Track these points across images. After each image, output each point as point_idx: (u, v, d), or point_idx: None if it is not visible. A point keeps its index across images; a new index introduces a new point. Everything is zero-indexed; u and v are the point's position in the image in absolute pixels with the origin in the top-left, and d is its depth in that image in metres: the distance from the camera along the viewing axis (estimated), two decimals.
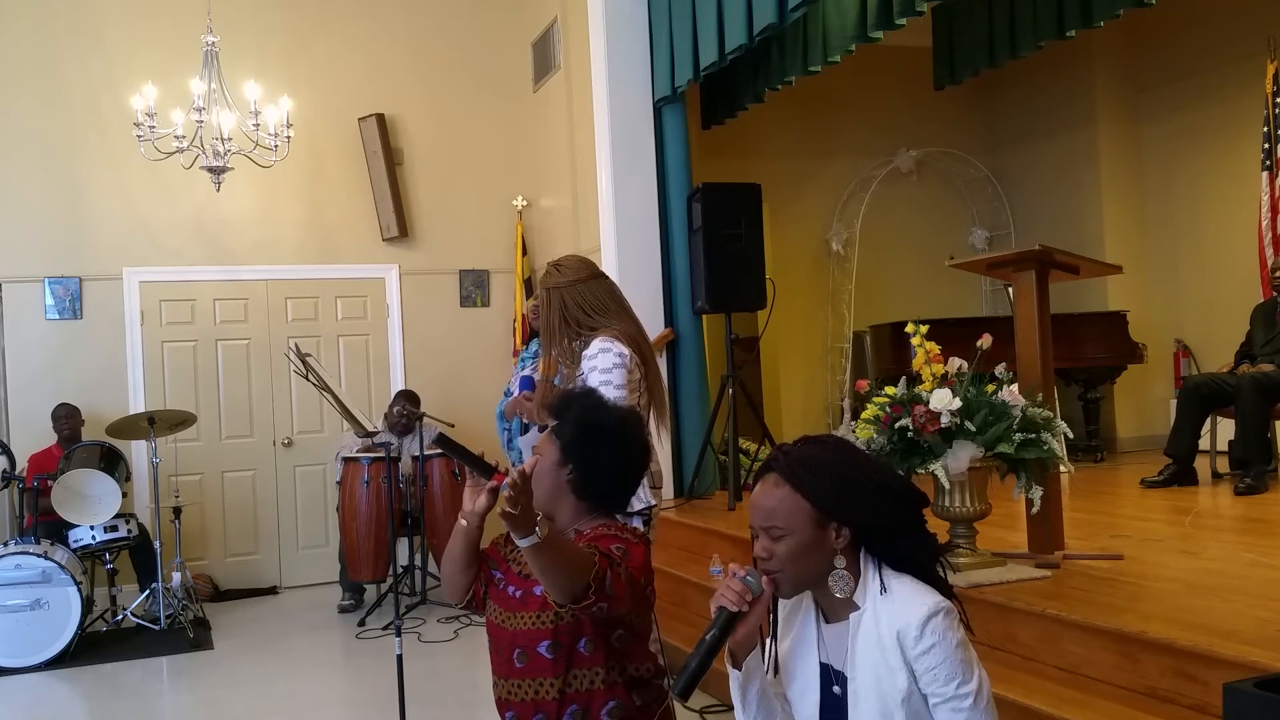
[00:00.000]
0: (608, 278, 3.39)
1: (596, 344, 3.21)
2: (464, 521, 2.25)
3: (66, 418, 6.54)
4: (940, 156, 8.79)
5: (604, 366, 3.13)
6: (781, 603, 1.94)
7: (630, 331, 3.26)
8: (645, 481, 3.27)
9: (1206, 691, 2.66)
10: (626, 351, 3.16)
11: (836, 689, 1.86)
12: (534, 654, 2.17)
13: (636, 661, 2.23)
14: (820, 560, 1.83)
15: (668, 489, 6.32)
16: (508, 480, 1.90)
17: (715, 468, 6.35)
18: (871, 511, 1.82)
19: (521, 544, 1.93)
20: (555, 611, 2.11)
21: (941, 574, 1.88)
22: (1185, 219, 7.85)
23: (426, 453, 6.36)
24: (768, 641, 1.93)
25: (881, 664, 1.79)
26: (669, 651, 3.88)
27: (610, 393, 3.09)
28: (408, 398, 6.87)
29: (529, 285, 7.48)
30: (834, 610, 1.88)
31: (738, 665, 1.87)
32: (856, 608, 1.84)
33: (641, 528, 3.24)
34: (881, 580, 1.83)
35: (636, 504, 3.29)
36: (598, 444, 2.23)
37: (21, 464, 6.36)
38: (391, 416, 6.71)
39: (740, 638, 1.85)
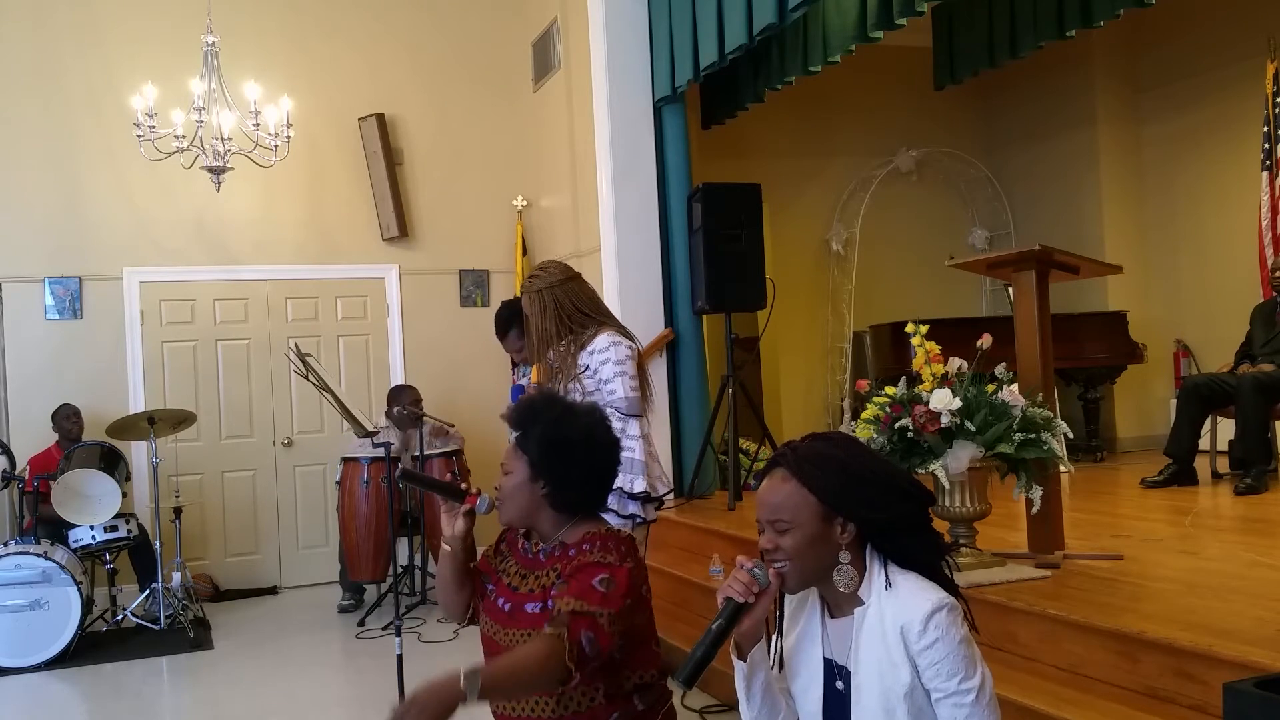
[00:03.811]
0: (584, 279, 3.47)
1: (605, 338, 3.29)
2: (446, 547, 2.24)
3: (72, 418, 6.53)
4: (940, 156, 8.79)
5: (618, 359, 3.24)
6: (787, 598, 1.95)
7: (623, 329, 3.40)
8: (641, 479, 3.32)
9: (1206, 691, 2.65)
10: (636, 346, 3.32)
11: (840, 684, 1.87)
12: None
13: (640, 669, 2.19)
14: (825, 554, 1.84)
15: None
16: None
17: (715, 468, 6.34)
18: (876, 507, 1.83)
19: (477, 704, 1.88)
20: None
21: (947, 572, 1.89)
22: (1185, 219, 7.84)
23: (427, 452, 6.36)
24: (773, 636, 1.94)
25: (885, 659, 1.79)
26: (668, 651, 3.88)
27: (626, 383, 3.26)
28: (398, 395, 6.81)
29: None
30: (839, 605, 1.89)
31: (743, 657, 1.88)
32: (861, 603, 1.85)
33: (640, 513, 3.31)
34: (886, 576, 1.83)
35: (630, 507, 3.33)
36: (568, 457, 2.16)
37: (21, 465, 6.34)
38: (394, 415, 6.69)
39: (746, 629, 1.86)
